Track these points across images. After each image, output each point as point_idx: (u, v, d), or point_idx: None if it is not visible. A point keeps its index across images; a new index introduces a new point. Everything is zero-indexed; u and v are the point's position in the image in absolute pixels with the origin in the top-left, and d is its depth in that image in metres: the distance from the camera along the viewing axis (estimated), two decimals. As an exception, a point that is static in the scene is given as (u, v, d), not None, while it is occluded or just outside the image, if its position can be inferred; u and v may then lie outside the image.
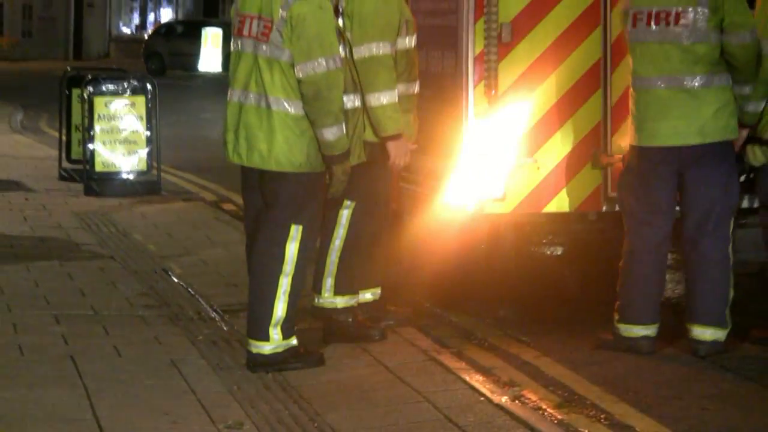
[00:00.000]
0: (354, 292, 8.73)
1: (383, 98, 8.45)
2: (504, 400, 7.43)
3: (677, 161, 8.50)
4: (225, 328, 9.00)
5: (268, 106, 7.87)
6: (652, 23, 8.49)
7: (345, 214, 8.59)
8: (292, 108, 7.88)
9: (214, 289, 10.20)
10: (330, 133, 7.88)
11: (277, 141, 7.88)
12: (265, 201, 8.03)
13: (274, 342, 7.96)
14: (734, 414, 7.49)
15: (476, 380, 7.81)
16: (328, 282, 8.65)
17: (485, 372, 8.00)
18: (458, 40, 9.05)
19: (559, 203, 9.18)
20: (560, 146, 9.14)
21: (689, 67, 8.48)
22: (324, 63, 7.84)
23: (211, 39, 49.40)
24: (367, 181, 8.52)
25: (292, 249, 7.93)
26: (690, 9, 8.45)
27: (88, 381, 7.68)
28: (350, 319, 8.70)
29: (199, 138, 23.45)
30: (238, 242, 12.16)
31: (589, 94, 9.14)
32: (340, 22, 8.43)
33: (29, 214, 14.09)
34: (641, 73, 8.55)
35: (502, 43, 8.97)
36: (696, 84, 8.48)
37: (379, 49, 8.45)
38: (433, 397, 7.46)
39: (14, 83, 41.12)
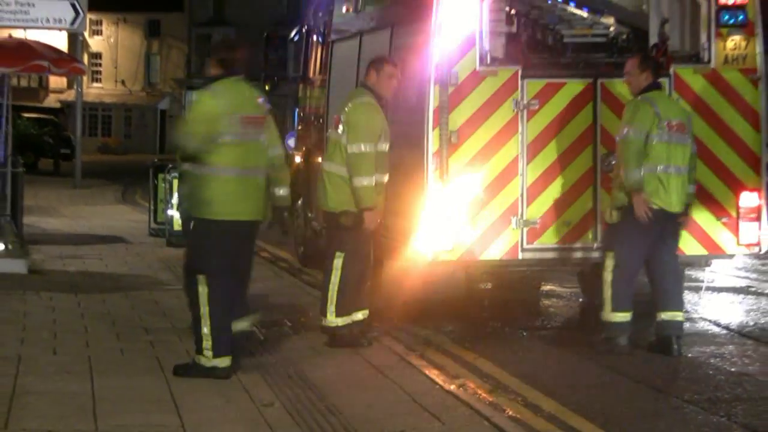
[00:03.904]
0: (349, 313, 8.69)
1: (364, 181, 8.45)
2: (452, 387, 7.40)
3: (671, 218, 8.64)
4: (261, 338, 8.95)
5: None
6: (676, 130, 8.56)
7: (339, 261, 8.58)
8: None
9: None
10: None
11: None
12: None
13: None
14: (611, 399, 7.46)
15: (433, 373, 7.77)
16: (331, 308, 8.61)
17: (439, 368, 7.97)
18: (421, 141, 9.12)
19: (491, 253, 9.23)
20: (491, 214, 9.19)
21: (686, 159, 8.63)
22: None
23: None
24: (352, 238, 8.54)
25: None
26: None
27: (167, 373, 7.63)
28: (347, 332, 8.68)
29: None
30: (272, 278, 12.21)
31: (510, 179, 9.21)
32: (340, 129, 8.52)
33: (128, 259, 14.06)
34: (666, 162, 8.49)
35: (451, 144, 9.04)
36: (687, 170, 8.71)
37: (366, 147, 8.47)
38: (403, 385, 7.44)
39: (119, 170, 40.93)
